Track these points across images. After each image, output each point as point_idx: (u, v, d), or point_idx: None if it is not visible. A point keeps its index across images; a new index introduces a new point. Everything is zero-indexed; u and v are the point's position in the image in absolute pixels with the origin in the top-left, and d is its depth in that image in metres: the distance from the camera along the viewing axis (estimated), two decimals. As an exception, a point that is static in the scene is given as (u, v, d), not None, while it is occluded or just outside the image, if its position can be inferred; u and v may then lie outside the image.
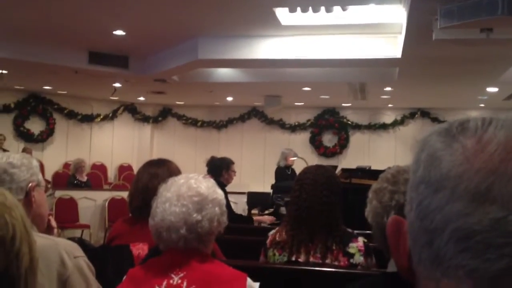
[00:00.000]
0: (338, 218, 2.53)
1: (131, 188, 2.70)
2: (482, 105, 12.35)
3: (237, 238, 3.47)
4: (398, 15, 5.98)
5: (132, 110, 13.61)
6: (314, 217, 2.49)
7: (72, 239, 2.09)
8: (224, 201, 1.78)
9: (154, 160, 2.79)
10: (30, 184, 1.82)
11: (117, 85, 10.17)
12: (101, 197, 9.31)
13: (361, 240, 2.47)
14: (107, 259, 2.30)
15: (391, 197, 1.49)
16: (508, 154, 0.56)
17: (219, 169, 5.02)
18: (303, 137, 13.59)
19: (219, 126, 13.89)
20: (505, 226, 0.53)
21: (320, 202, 2.51)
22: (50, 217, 2.10)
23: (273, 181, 8.09)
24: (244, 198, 8.51)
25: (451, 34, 5.23)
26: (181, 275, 1.61)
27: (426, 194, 0.59)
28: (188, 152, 13.28)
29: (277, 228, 2.66)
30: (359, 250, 2.44)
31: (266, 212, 6.80)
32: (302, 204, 2.54)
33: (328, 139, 13.53)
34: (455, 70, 7.87)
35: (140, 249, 2.31)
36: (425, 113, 13.30)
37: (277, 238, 2.56)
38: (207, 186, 1.73)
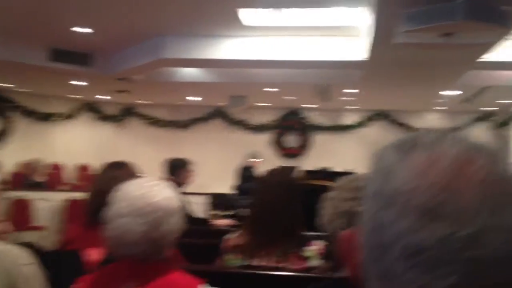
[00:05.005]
0: (296, 222, 2.53)
1: (89, 191, 2.64)
2: (440, 107, 12.64)
3: (196, 241, 3.44)
4: (363, 18, 6.04)
5: (93, 109, 13.36)
6: (273, 221, 2.49)
7: (22, 244, 2.01)
8: (180, 204, 1.74)
9: (113, 163, 2.74)
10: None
11: (79, 83, 9.97)
12: (59, 198, 9.11)
13: (318, 243, 2.47)
14: (60, 264, 2.24)
15: (341, 204, 1.51)
16: (458, 171, 0.56)
17: (177, 169, 5.04)
18: (267, 137, 13.62)
19: (183, 126, 13.78)
20: (453, 243, 0.54)
21: (280, 206, 2.50)
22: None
23: (235, 182, 8.08)
24: (206, 199, 8.47)
25: (413, 38, 5.32)
26: (137, 283, 1.56)
27: (378, 208, 0.59)
28: (150, 152, 13.12)
29: (236, 231, 2.64)
30: (316, 254, 2.44)
31: (227, 213, 6.78)
32: (262, 207, 2.53)
33: (291, 140, 13.61)
34: (415, 73, 8.01)
35: (95, 254, 2.25)
36: (385, 115, 13.51)
37: (235, 242, 2.54)
38: (165, 196, 1.65)
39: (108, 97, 12.33)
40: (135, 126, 13.88)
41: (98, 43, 7.82)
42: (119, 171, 2.53)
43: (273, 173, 2.70)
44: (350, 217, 1.46)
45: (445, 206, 0.54)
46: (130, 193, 1.63)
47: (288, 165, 8.87)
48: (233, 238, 2.59)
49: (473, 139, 0.61)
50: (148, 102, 13.20)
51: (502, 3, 4.55)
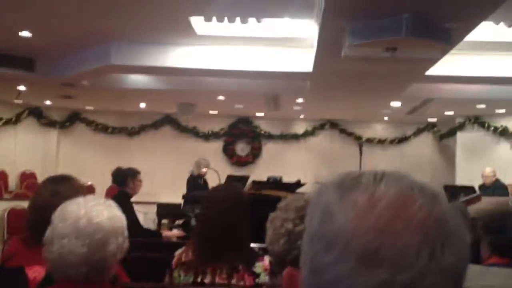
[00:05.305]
0: (245, 238, 2.52)
1: (29, 205, 2.54)
2: (386, 118, 12.94)
3: (143, 255, 3.36)
4: (311, 30, 6.13)
5: (37, 114, 12.91)
6: (221, 237, 2.47)
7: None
8: (125, 224, 1.69)
9: (56, 176, 2.64)
10: None
11: (22, 88, 9.64)
12: (0, 207, 8.76)
13: (267, 259, 2.46)
14: (1, 283, 2.15)
15: (282, 224, 1.53)
16: (397, 212, 0.56)
17: (124, 179, 4.95)
18: (217, 145, 13.56)
19: (131, 133, 13.54)
20: (392, 287, 0.53)
21: (227, 221, 2.48)
22: None
23: (185, 190, 7.99)
24: (155, 209, 8.34)
25: (359, 51, 5.42)
26: None
27: (318, 249, 0.59)
28: (97, 159, 12.83)
29: (183, 248, 2.60)
30: (265, 269, 2.43)
31: (176, 222, 6.69)
32: (209, 223, 2.51)
33: (241, 148, 13.61)
34: (362, 85, 8.18)
35: (36, 272, 2.17)
36: (334, 125, 13.72)
37: (183, 259, 2.51)
38: (109, 216, 1.59)
39: (53, 103, 11.96)
40: (81, 132, 13.52)
41: (43, 47, 7.60)
42: (62, 186, 2.44)
43: (217, 189, 2.69)
44: (292, 237, 1.47)
45: (383, 250, 0.54)
46: (71, 212, 1.57)
47: (239, 175, 8.84)
48: (179, 254, 2.55)
49: (414, 178, 0.61)
50: (95, 108, 12.90)
51: (445, 21, 4.71)
